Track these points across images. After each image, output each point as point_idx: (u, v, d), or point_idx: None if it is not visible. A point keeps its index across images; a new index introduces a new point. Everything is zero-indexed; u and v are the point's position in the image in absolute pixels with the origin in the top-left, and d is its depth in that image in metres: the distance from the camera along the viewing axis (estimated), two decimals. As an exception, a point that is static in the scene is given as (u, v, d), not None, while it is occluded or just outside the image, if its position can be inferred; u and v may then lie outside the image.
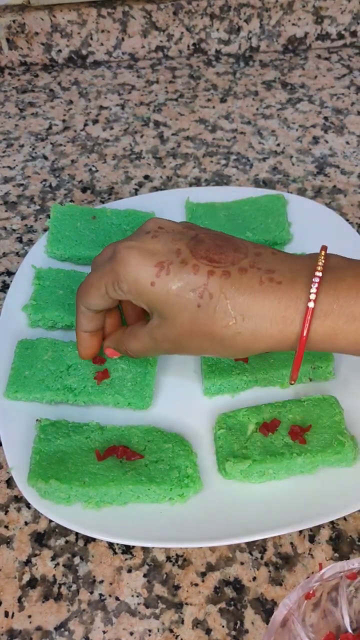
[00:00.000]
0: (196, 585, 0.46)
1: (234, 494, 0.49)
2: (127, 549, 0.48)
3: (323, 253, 0.43)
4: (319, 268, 0.42)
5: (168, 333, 0.45)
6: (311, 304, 0.41)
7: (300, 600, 0.37)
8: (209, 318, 0.42)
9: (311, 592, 0.37)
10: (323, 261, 0.42)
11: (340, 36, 0.94)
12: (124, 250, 0.44)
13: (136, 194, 0.75)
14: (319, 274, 0.41)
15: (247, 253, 0.44)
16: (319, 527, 0.49)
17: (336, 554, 0.48)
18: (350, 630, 0.39)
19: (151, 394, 0.53)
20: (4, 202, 0.74)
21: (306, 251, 0.64)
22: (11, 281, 0.63)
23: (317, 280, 0.41)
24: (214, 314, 0.42)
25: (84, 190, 0.76)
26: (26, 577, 0.47)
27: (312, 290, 0.41)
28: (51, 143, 0.82)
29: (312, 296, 0.41)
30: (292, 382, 0.46)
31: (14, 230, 0.71)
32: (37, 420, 0.51)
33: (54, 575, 0.47)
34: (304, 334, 0.41)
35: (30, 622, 0.45)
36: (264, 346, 0.43)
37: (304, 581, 0.38)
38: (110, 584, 0.46)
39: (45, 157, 0.80)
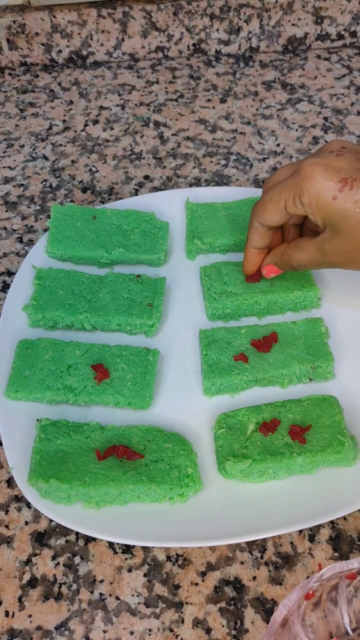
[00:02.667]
0: (196, 584, 0.46)
1: (234, 493, 0.49)
2: (128, 549, 0.48)
3: None
4: None
5: (340, 246, 0.48)
6: None
7: (300, 600, 0.37)
8: None
9: (311, 593, 0.37)
10: None
11: (340, 36, 0.94)
12: (309, 167, 0.47)
13: (136, 194, 0.75)
14: None
15: None
16: (318, 527, 0.49)
17: (336, 554, 0.48)
18: (349, 630, 0.39)
19: (151, 393, 0.53)
20: (4, 202, 0.74)
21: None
22: (11, 281, 0.64)
23: None
24: None
25: (84, 190, 0.76)
26: (26, 577, 0.47)
27: None
28: (51, 143, 0.82)
29: None
30: None
31: (14, 230, 0.71)
32: (37, 420, 0.51)
33: (54, 575, 0.47)
34: None
35: (30, 622, 0.45)
36: None
37: (303, 581, 0.38)
38: (111, 583, 0.47)
39: (46, 158, 0.80)
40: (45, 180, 0.77)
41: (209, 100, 0.87)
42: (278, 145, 0.81)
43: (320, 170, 0.47)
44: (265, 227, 0.53)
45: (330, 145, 0.50)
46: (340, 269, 0.52)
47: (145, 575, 0.47)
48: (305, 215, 0.49)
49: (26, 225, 0.72)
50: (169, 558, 0.48)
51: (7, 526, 0.49)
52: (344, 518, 0.49)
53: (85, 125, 0.84)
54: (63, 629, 0.45)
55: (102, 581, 0.47)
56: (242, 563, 0.47)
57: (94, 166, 0.78)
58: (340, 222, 0.47)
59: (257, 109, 0.86)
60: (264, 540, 0.48)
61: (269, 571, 0.47)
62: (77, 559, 0.48)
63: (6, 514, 0.50)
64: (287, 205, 0.49)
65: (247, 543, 0.48)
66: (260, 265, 0.57)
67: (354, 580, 0.39)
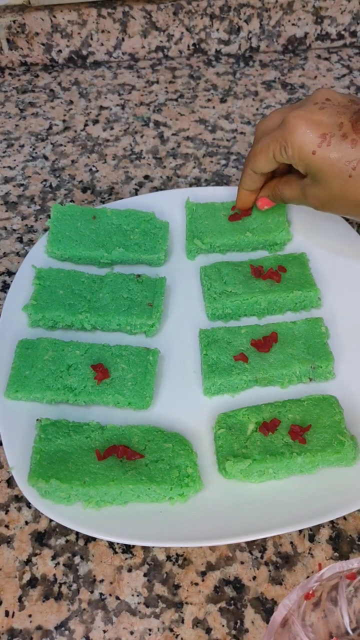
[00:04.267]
0: (196, 584, 0.46)
1: (234, 493, 0.49)
2: (128, 549, 0.48)
3: None
4: None
5: (318, 193, 0.54)
6: None
7: (300, 600, 0.37)
8: (358, 187, 0.51)
9: (311, 592, 0.37)
10: None
11: (340, 36, 0.94)
12: (294, 120, 0.51)
13: (136, 194, 0.75)
14: None
15: None
16: (318, 527, 0.49)
17: (336, 554, 0.48)
18: (349, 630, 0.39)
19: (151, 393, 0.53)
20: (4, 202, 0.74)
21: (306, 251, 0.64)
22: (11, 281, 0.64)
23: None
24: None
25: (84, 190, 0.76)
26: (26, 577, 0.47)
27: None
28: (51, 143, 0.82)
29: None
30: None
31: (14, 230, 0.71)
32: (37, 419, 0.51)
33: (54, 575, 0.47)
34: None
35: (30, 622, 0.45)
36: None
37: (303, 581, 0.38)
38: (111, 583, 0.47)
39: (46, 157, 0.80)
40: (45, 180, 0.77)
41: (209, 100, 0.87)
42: (278, 145, 0.81)
43: (303, 123, 0.51)
44: (257, 174, 0.58)
45: (316, 95, 0.53)
46: (319, 211, 0.57)
47: (145, 575, 0.47)
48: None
49: (26, 225, 0.72)
50: (169, 558, 0.48)
51: (7, 526, 0.49)
52: (344, 518, 0.49)
53: (85, 125, 0.84)
54: (63, 628, 0.45)
55: (102, 581, 0.47)
56: (242, 563, 0.47)
57: (94, 166, 0.78)
58: (317, 174, 0.52)
59: (257, 109, 0.86)
60: (264, 540, 0.48)
61: (269, 571, 0.47)
62: (77, 559, 0.48)
63: (6, 514, 0.50)
64: (275, 155, 0.54)
65: (247, 543, 0.48)
66: (252, 202, 0.63)
67: (354, 580, 0.39)
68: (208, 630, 0.44)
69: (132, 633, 0.44)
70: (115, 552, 0.48)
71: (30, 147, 0.81)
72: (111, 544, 0.48)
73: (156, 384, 0.55)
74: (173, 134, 0.83)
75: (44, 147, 0.81)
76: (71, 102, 0.87)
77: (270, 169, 0.57)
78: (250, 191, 0.62)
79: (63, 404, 0.54)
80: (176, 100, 0.88)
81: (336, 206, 0.54)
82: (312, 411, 0.51)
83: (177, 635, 0.44)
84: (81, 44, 0.91)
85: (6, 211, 0.73)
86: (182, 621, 0.45)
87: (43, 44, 0.90)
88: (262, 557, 0.48)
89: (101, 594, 0.46)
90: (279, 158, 0.54)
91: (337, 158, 0.50)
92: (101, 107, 0.87)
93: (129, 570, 0.47)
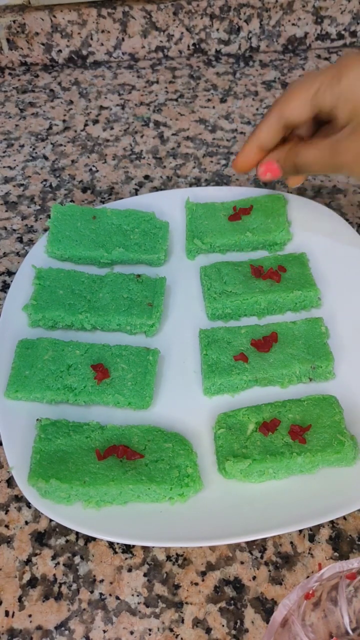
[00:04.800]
0: (196, 584, 0.46)
1: (234, 493, 0.49)
2: (128, 548, 0.48)
3: None
4: None
5: (358, 144, 0.47)
6: None
7: (300, 600, 0.37)
8: None
9: (310, 592, 0.37)
10: None
11: (340, 36, 0.94)
12: (353, 57, 0.48)
13: (136, 194, 0.75)
14: None
15: None
16: (318, 527, 0.49)
17: (336, 553, 0.48)
18: (349, 630, 0.39)
19: (151, 393, 0.53)
20: (4, 202, 0.74)
21: (306, 251, 0.64)
22: (11, 281, 0.64)
23: None
24: None
25: (84, 190, 0.76)
26: (26, 577, 0.47)
27: None
28: (51, 143, 0.82)
29: None
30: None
31: (14, 230, 0.71)
32: (37, 419, 0.51)
33: (54, 575, 0.47)
34: None
35: (30, 622, 0.45)
36: None
37: (303, 581, 0.38)
38: (111, 583, 0.47)
39: (46, 157, 0.80)
40: (45, 180, 0.77)
41: (209, 100, 0.87)
42: (278, 145, 0.81)
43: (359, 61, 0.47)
44: (282, 120, 0.51)
45: None
46: (341, 173, 0.51)
47: (145, 575, 0.47)
48: (327, 113, 0.49)
49: (26, 225, 0.72)
50: (169, 558, 0.48)
51: (7, 526, 0.49)
52: (344, 518, 0.49)
53: (85, 125, 0.84)
54: (63, 628, 0.45)
55: (102, 581, 0.47)
56: (242, 563, 0.47)
57: (94, 166, 0.78)
58: None
59: (257, 109, 0.86)
60: (264, 540, 0.48)
61: (269, 571, 0.47)
62: (77, 559, 0.48)
63: (6, 513, 0.50)
64: (319, 93, 0.49)
65: (247, 543, 0.48)
66: (255, 164, 0.55)
67: (354, 580, 0.39)
68: (208, 630, 0.44)
69: (132, 633, 0.44)
70: (115, 552, 0.48)
71: (30, 147, 0.81)
72: (111, 544, 0.48)
73: (156, 384, 0.55)
74: (173, 134, 0.83)
75: (44, 147, 0.81)
76: (71, 102, 0.87)
77: (301, 116, 0.50)
78: (259, 147, 0.53)
79: (63, 404, 0.54)
80: (176, 100, 0.88)
81: None
82: (312, 411, 0.51)
83: (177, 635, 0.44)
84: (81, 44, 0.91)
85: (6, 211, 0.73)
86: (182, 621, 0.45)
87: (43, 44, 0.90)
88: (262, 557, 0.48)
89: (101, 594, 0.46)
90: (321, 97, 0.48)
91: None
92: (101, 107, 0.87)
93: (129, 570, 0.47)
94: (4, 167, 0.79)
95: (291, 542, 0.48)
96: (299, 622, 0.37)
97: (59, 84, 0.90)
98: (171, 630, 0.44)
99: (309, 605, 0.38)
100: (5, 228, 0.71)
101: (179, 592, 0.46)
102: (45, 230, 0.70)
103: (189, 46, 0.93)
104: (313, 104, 0.49)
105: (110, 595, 0.46)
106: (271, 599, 0.46)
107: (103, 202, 0.74)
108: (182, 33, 0.91)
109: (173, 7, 0.87)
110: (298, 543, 0.48)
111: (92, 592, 0.46)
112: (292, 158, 0.52)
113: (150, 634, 0.44)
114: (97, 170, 0.78)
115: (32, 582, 0.47)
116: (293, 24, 0.91)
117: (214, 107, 0.86)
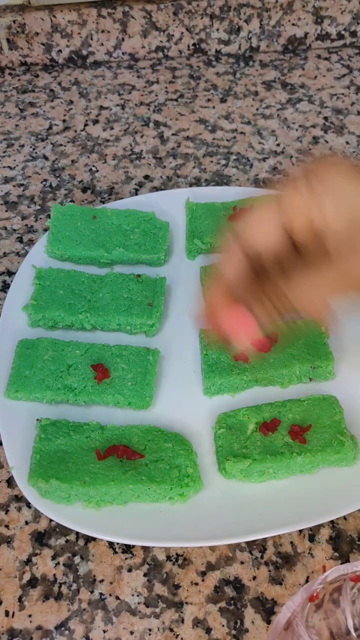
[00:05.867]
0: (196, 584, 0.46)
1: (234, 493, 0.49)
2: (128, 548, 0.48)
3: None
4: None
5: None
6: None
7: (304, 602, 0.37)
8: None
9: (315, 595, 0.37)
10: None
11: (340, 36, 0.94)
12: (324, 166, 0.37)
13: (136, 194, 0.75)
14: None
15: None
16: (318, 527, 0.49)
17: (336, 553, 0.48)
18: (353, 632, 0.39)
19: (151, 393, 0.53)
20: (4, 202, 0.74)
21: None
22: (11, 281, 0.64)
23: None
24: None
25: (84, 190, 0.76)
26: (27, 577, 0.47)
27: None
28: (51, 143, 0.82)
29: None
30: None
31: (14, 230, 0.71)
32: (37, 419, 0.51)
33: (54, 575, 0.47)
34: None
35: (30, 622, 0.45)
36: None
37: (307, 583, 0.38)
38: (111, 583, 0.47)
39: (46, 157, 0.80)
40: (45, 180, 0.77)
41: (209, 100, 0.87)
42: (278, 145, 0.81)
43: (344, 166, 0.37)
44: (243, 255, 0.38)
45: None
46: None
47: (145, 575, 0.47)
48: (306, 233, 0.36)
49: (26, 225, 0.72)
50: (169, 558, 0.48)
51: (7, 526, 0.49)
52: (344, 518, 0.49)
53: (85, 125, 0.84)
54: (63, 628, 0.45)
55: (102, 581, 0.47)
56: (242, 563, 0.47)
57: (94, 166, 0.78)
58: None
59: (257, 109, 0.86)
60: (264, 540, 0.48)
61: (269, 571, 0.47)
62: (77, 559, 0.48)
63: (6, 513, 0.50)
64: (293, 211, 0.36)
65: (247, 543, 0.48)
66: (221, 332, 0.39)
67: (358, 583, 0.39)
68: (208, 630, 0.44)
69: (132, 633, 0.44)
70: (115, 552, 0.48)
71: (30, 147, 0.81)
72: (111, 544, 0.48)
73: (156, 384, 0.55)
74: (173, 134, 0.82)
75: (44, 147, 0.81)
76: (71, 102, 0.87)
77: (270, 244, 0.37)
78: (219, 295, 0.39)
79: (63, 404, 0.54)
80: (176, 100, 0.88)
81: None
82: (312, 411, 0.51)
83: (177, 635, 0.44)
84: (81, 44, 0.91)
85: (6, 211, 0.73)
86: (182, 621, 0.45)
87: (43, 44, 0.90)
88: (262, 557, 0.48)
89: (101, 594, 0.46)
90: (299, 216, 0.36)
91: None
92: (101, 107, 0.87)
93: (129, 570, 0.47)
94: (4, 167, 0.79)
95: (291, 542, 0.48)
96: (303, 624, 0.37)
97: (59, 84, 0.90)
98: (171, 630, 0.44)
99: (312, 607, 0.38)
100: (5, 228, 0.71)
101: (179, 592, 0.46)
102: (45, 230, 0.70)
103: (189, 46, 0.93)
104: (281, 233, 0.37)
105: (110, 595, 0.46)
106: (271, 599, 0.46)
107: (103, 202, 0.74)
108: (182, 33, 0.91)
109: (173, 7, 0.87)
110: (298, 543, 0.48)
111: (92, 592, 0.46)
112: (288, 305, 0.39)
113: (150, 634, 0.44)
114: (97, 170, 0.78)
115: (32, 582, 0.47)
116: (293, 24, 0.91)
117: (214, 107, 0.86)
